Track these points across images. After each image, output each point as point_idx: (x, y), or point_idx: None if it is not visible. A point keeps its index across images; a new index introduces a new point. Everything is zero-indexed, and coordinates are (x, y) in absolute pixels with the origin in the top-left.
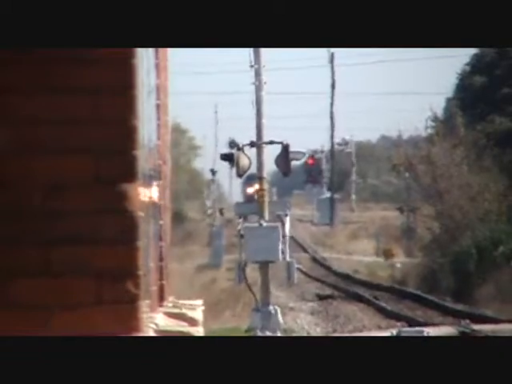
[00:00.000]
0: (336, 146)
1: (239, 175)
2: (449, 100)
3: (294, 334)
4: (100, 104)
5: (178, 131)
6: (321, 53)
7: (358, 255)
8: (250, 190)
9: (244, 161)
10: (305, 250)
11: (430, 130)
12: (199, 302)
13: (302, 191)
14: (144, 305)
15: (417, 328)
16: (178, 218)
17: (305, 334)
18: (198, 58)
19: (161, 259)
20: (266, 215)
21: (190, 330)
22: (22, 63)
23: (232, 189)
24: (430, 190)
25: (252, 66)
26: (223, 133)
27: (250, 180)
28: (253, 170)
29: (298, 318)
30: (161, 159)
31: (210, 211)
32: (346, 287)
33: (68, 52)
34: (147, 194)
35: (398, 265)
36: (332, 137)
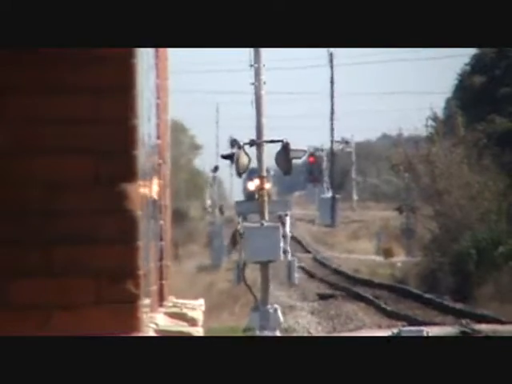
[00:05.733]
0: (336, 146)
1: (239, 174)
2: (449, 100)
3: (295, 334)
4: (100, 104)
5: (179, 130)
6: (321, 53)
7: (359, 254)
8: (251, 186)
9: (244, 159)
10: (306, 250)
11: (429, 130)
12: (200, 301)
13: (303, 191)
14: (144, 305)
15: (417, 327)
16: (178, 217)
17: (305, 334)
18: (198, 57)
19: (161, 259)
20: (266, 215)
21: (190, 330)
22: (22, 63)
23: (233, 187)
24: (429, 190)
25: (252, 66)
26: (224, 131)
27: (251, 175)
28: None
29: (299, 317)
30: (161, 158)
31: (210, 209)
32: (347, 286)
33: (68, 52)
34: (147, 193)
35: (399, 264)
36: (332, 136)
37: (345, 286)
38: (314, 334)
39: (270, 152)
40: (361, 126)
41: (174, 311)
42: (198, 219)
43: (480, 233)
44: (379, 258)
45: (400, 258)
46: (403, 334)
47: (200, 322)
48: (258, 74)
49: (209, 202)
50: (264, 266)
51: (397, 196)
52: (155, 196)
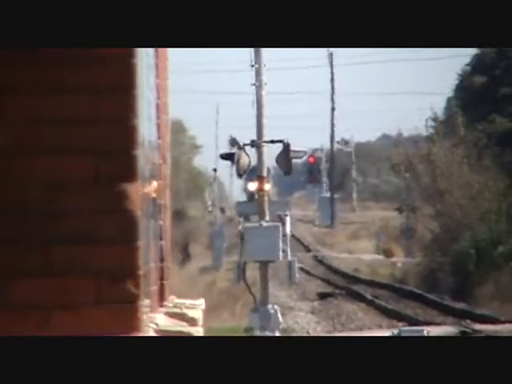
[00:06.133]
0: (336, 146)
1: (239, 174)
2: (449, 100)
3: (294, 334)
4: (100, 104)
5: (179, 130)
6: (321, 53)
7: (359, 254)
8: (252, 187)
9: (244, 160)
10: (307, 250)
11: (430, 130)
12: (200, 301)
13: (303, 191)
14: (144, 305)
15: (417, 327)
16: (179, 217)
17: (305, 334)
18: (198, 57)
19: (161, 259)
20: (267, 215)
21: (190, 330)
22: (22, 63)
23: (233, 187)
24: (429, 190)
25: (252, 66)
26: (224, 132)
27: (252, 175)
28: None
29: (299, 317)
30: (161, 158)
31: (210, 209)
32: (347, 286)
33: (68, 52)
34: (147, 193)
35: (399, 264)
36: (332, 136)
37: (344, 285)
38: (313, 333)
39: (271, 152)
40: (361, 126)
41: (174, 311)
42: (198, 220)
43: (480, 233)
44: (379, 258)
45: (400, 258)
46: (403, 334)
47: (200, 322)
48: (258, 74)
49: (209, 202)
50: (263, 265)
51: (397, 196)
52: (155, 196)
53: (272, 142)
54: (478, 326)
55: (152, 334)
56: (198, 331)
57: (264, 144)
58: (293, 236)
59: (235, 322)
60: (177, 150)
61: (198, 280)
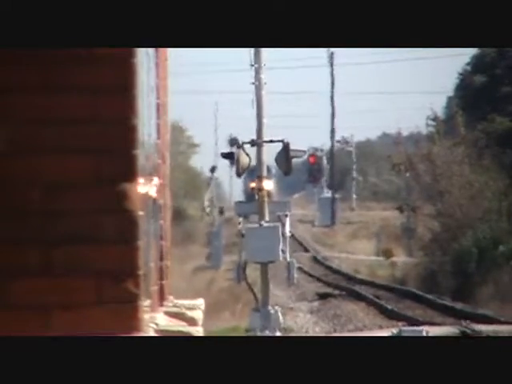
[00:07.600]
0: (336, 145)
1: (238, 174)
2: (449, 99)
3: (294, 334)
4: (100, 104)
5: (178, 130)
6: (321, 53)
7: (359, 255)
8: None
9: (244, 159)
10: (306, 250)
11: (430, 129)
12: (200, 301)
13: (303, 191)
14: (144, 304)
15: (417, 327)
16: (178, 216)
17: (304, 334)
18: (198, 57)
19: (161, 259)
20: (267, 215)
21: (190, 330)
22: (22, 63)
23: (233, 188)
24: (430, 189)
25: (252, 66)
26: (224, 132)
27: (252, 175)
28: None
29: (298, 317)
30: (160, 158)
31: (208, 209)
32: (346, 286)
33: (68, 52)
34: (147, 193)
35: (399, 264)
36: (332, 136)
37: (344, 285)
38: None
39: (270, 152)
40: (361, 126)
41: (174, 311)
42: (197, 220)
43: (481, 232)
44: (379, 259)
45: (400, 259)
46: (403, 334)
47: (200, 322)
48: (258, 73)
49: (207, 202)
50: (264, 266)
51: (397, 195)
52: (155, 196)
53: (271, 141)
54: (478, 326)
55: (152, 333)
56: (198, 331)
57: (264, 143)
58: (292, 236)
59: (236, 321)
60: (176, 150)
61: (194, 279)
